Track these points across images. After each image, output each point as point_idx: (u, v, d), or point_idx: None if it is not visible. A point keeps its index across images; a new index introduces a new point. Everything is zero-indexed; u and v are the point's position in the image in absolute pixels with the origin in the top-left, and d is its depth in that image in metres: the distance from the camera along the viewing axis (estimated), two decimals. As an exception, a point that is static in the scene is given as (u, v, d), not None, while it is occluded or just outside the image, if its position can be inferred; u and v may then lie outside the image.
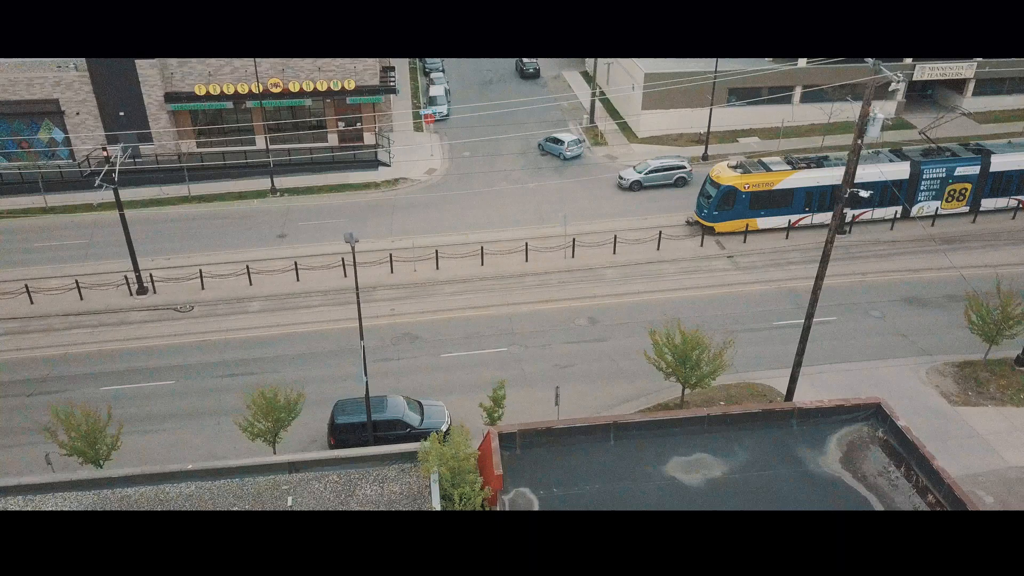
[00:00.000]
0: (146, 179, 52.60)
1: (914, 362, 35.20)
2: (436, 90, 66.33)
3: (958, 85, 62.05)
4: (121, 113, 54.29)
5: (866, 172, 43.50)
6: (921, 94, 64.25)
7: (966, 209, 46.40)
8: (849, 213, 45.10)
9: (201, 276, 42.10)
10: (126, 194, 40.98)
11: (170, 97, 54.34)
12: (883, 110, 62.10)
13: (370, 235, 45.75)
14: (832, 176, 44.21)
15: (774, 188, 44.25)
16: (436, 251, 43.26)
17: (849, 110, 56.54)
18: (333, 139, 58.39)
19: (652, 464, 24.81)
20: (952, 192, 45.59)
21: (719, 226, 44.86)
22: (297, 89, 54.51)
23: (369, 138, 58.42)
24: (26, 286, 41.06)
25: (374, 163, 56.04)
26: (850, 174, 25.96)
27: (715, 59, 51.51)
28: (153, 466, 25.24)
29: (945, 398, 32.97)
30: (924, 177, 45.13)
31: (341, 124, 58.13)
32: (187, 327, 39.10)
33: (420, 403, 32.17)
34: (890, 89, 57.81)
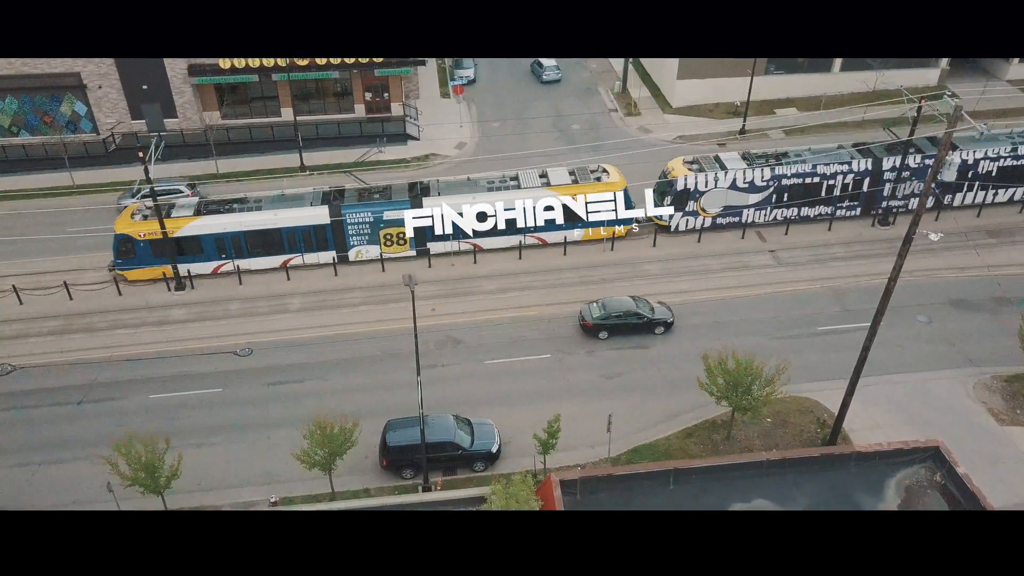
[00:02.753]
0: (173, 154, 51.66)
1: (961, 375, 34.94)
2: (462, 51, 64.30)
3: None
4: (144, 87, 53.07)
5: (282, 217, 41.05)
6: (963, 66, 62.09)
7: (413, 252, 42.92)
8: (279, 259, 42.19)
9: (239, 272, 41.82)
10: (154, 171, 40.05)
11: (194, 70, 52.92)
12: (924, 79, 60.13)
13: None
14: (239, 222, 40.93)
15: (176, 236, 40.60)
16: (475, 244, 42.73)
17: (891, 80, 54.87)
18: (360, 110, 57.04)
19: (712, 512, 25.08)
20: (389, 236, 42.27)
21: (130, 275, 41.50)
22: (324, 61, 52.96)
23: (396, 108, 57.03)
24: (64, 283, 40.90)
25: (403, 137, 54.86)
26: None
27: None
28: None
29: (993, 416, 32.91)
30: (350, 222, 41.57)
31: (368, 94, 56.67)
32: (230, 328, 39.05)
33: (470, 422, 32.28)
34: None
